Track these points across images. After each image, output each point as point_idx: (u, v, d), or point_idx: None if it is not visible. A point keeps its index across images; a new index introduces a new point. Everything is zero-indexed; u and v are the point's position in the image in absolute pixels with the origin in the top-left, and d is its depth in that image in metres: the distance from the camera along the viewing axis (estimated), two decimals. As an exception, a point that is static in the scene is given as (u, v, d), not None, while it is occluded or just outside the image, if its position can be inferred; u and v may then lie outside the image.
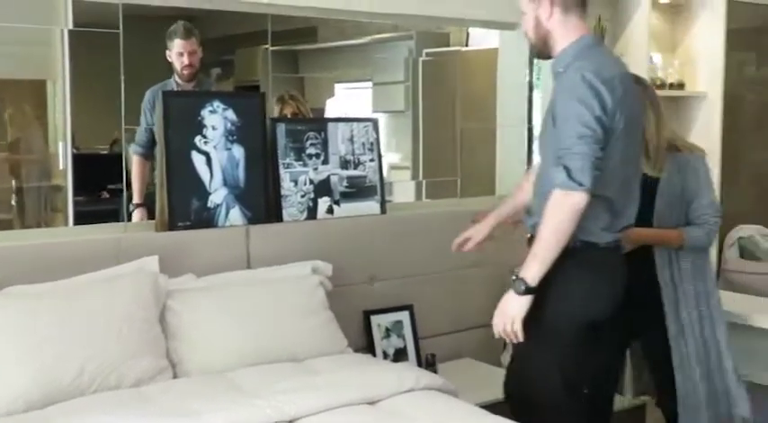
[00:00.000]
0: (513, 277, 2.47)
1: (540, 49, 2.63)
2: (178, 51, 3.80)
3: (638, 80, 2.95)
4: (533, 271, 2.41)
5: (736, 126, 4.81)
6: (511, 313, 2.45)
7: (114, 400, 2.43)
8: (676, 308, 3.04)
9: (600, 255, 2.55)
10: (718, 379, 3.05)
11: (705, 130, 4.64)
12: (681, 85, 4.62)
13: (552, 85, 2.62)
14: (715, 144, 4.61)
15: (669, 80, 4.56)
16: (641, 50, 4.30)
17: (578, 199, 2.35)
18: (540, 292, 2.43)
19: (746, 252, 4.43)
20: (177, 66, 3.82)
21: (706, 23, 4.63)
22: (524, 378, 2.66)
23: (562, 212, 2.38)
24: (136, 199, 3.80)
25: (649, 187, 2.93)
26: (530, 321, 2.44)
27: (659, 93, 4.40)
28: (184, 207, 3.08)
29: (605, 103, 2.38)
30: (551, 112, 2.53)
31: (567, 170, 2.35)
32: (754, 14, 4.83)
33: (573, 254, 2.46)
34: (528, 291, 2.41)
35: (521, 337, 2.45)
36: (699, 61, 4.67)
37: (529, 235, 2.68)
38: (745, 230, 4.57)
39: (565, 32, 2.54)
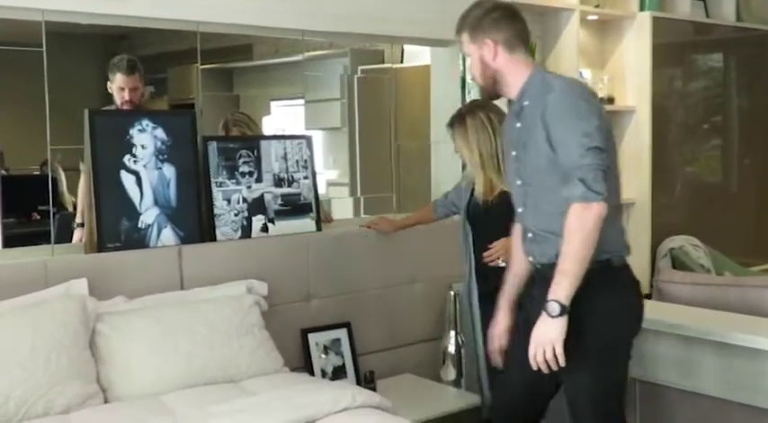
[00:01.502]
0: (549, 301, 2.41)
1: (490, 90, 2.64)
2: (119, 86, 3.71)
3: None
4: (566, 290, 2.36)
5: (665, 139, 4.90)
6: (550, 338, 2.37)
7: (41, 428, 2.36)
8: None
9: (628, 265, 2.62)
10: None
11: (635, 144, 4.75)
12: (610, 100, 4.73)
13: (513, 121, 2.62)
14: (645, 157, 4.72)
15: (599, 95, 4.64)
16: (571, 66, 4.38)
17: (600, 209, 2.35)
18: (585, 314, 2.41)
19: (678, 262, 4.50)
20: (117, 99, 3.73)
21: (633, 40, 4.75)
22: (579, 408, 2.60)
23: (587, 225, 2.36)
24: (78, 218, 3.69)
25: None
26: (578, 347, 2.41)
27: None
28: (114, 228, 3.01)
29: (599, 113, 2.45)
30: (526, 138, 2.53)
31: (584, 182, 2.34)
32: (679, 30, 4.95)
33: (609, 269, 2.50)
34: (563, 311, 2.35)
35: (562, 362, 2.38)
36: (627, 76, 4.80)
37: (539, 265, 2.63)
38: (676, 241, 4.64)
39: (516, 70, 2.56)
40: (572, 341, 2.37)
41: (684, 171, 5.13)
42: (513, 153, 2.62)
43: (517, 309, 2.79)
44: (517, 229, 2.74)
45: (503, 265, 3.09)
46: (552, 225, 2.49)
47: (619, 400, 2.63)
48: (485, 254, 3.25)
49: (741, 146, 5.45)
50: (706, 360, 3.26)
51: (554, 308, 2.35)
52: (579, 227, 2.36)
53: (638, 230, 4.63)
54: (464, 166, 4.25)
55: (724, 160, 5.41)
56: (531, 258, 2.66)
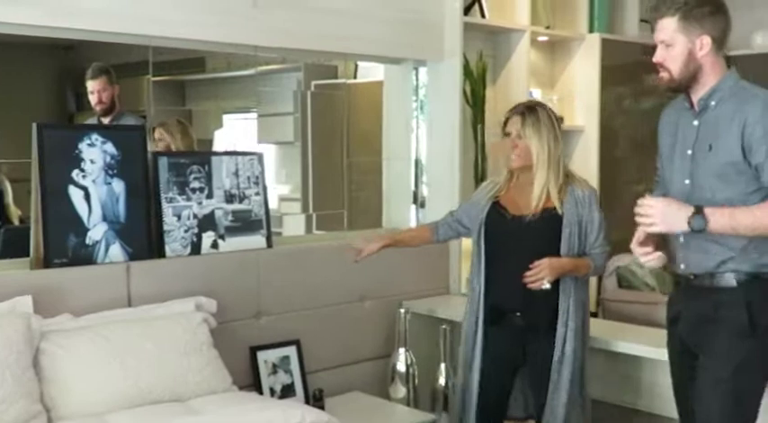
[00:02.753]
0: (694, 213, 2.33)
1: (683, 84, 2.50)
2: (90, 90, 4.04)
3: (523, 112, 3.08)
4: (719, 221, 2.31)
5: (613, 158, 4.95)
6: (674, 222, 2.35)
7: (-19, 450, 2.31)
8: (564, 337, 3.04)
9: None
10: (578, 406, 3.08)
11: (583, 163, 4.79)
12: (560, 119, 4.75)
13: (689, 118, 2.54)
14: (593, 176, 4.76)
15: (549, 115, 4.70)
16: (521, 86, 4.43)
17: None
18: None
19: (624, 281, 4.55)
20: (93, 103, 4.04)
21: (582, 61, 4.82)
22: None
23: None
24: None
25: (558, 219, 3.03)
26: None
27: (539, 127, 4.54)
28: (61, 243, 2.96)
29: None
30: (711, 140, 2.44)
31: None
32: (627, 51, 5.02)
33: None
34: (698, 229, 2.31)
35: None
36: (576, 96, 4.85)
37: (691, 276, 2.54)
38: (622, 259, 4.69)
39: (715, 69, 2.47)
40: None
41: (632, 189, 5.17)
42: (689, 152, 2.51)
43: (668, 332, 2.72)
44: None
45: (547, 287, 2.94)
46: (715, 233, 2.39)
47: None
48: (527, 274, 2.92)
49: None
50: (646, 377, 3.33)
51: (699, 222, 2.30)
52: None
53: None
54: (417, 184, 4.30)
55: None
56: (681, 266, 2.56)
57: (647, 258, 2.57)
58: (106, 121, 3.99)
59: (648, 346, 3.17)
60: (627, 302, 3.95)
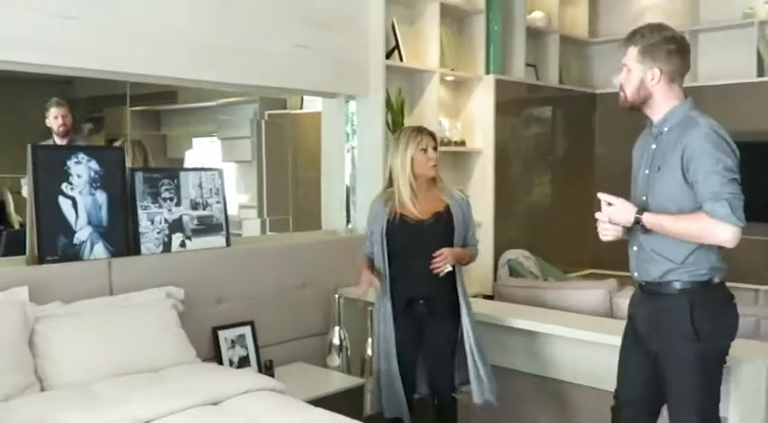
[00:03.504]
0: (637, 216, 2.27)
1: (635, 105, 2.38)
2: (54, 116, 3.92)
3: (430, 133, 3.04)
4: (655, 224, 2.24)
5: (506, 174, 5.01)
6: (615, 219, 2.31)
7: (-18, 414, 2.25)
8: (465, 311, 3.03)
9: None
10: (482, 369, 3.04)
11: (482, 179, 4.87)
12: (462, 143, 4.83)
13: (650, 141, 2.41)
14: (489, 189, 4.85)
15: (454, 139, 4.76)
16: (432, 116, 4.47)
17: (733, 235, 2.14)
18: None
19: (514, 271, 4.63)
20: (54, 126, 3.90)
21: (480, 96, 4.88)
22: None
23: (708, 233, 2.17)
24: None
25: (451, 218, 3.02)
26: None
27: (446, 149, 4.63)
28: (52, 243, 2.91)
29: (735, 151, 2.23)
30: (660, 162, 2.32)
31: (731, 207, 2.13)
32: (516, 89, 5.11)
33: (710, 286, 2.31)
34: (636, 222, 2.26)
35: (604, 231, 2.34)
36: (476, 124, 4.90)
37: (642, 282, 2.43)
38: (512, 254, 4.77)
39: (666, 98, 2.33)
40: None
41: (521, 199, 5.24)
42: (646, 171, 2.39)
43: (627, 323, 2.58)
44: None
45: (449, 269, 2.94)
46: (662, 247, 2.30)
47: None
48: (435, 261, 2.91)
49: (564, 178, 5.60)
50: (523, 345, 3.40)
51: (637, 219, 2.26)
52: (704, 230, 2.17)
53: (483, 246, 4.68)
54: (347, 195, 4.33)
55: (552, 190, 5.52)
56: (635, 274, 2.45)
57: (604, 234, 2.40)
58: (63, 142, 3.92)
59: (534, 322, 3.26)
60: (516, 287, 4.02)
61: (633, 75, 2.35)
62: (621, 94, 2.40)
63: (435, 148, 3.02)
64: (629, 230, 2.39)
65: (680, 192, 2.26)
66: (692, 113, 2.31)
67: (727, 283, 2.38)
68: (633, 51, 2.35)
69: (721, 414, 2.53)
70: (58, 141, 3.86)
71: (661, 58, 2.31)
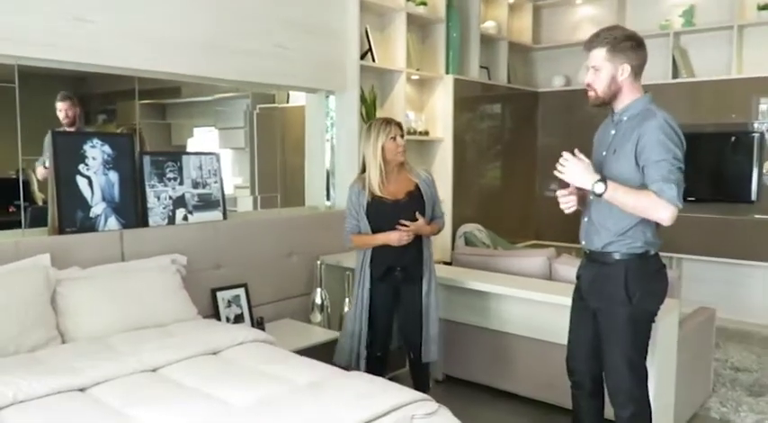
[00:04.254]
0: (599, 180, 2.15)
1: (606, 99, 2.27)
2: (59, 109, 3.80)
3: (398, 123, 2.96)
4: (612, 193, 2.13)
5: (463, 160, 5.01)
6: (577, 178, 2.19)
7: (13, 363, 2.22)
8: (429, 278, 2.99)
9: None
10: (426, 333, 3.00)
11: (443, 164, 4.87)
12: (426, 133, 4.82)
13: (610, 128, 2.32)
14: (448, 172, 4.85)
15: (419, 129, 4.75)
16: (400, 109, 4.46)
17: (672, 214, 2.11)
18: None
19: (468, 241, 4.65)
20: (60, 117, 3.80)
21: (441, 93, 4.87)
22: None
23: (653, 209, 2.12)
24: None
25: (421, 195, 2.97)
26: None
27: (412, 138, 4.61)
28: (71, 217, 2.86)
29: (684, 143, 2.17)
30: (617, 146, 2.25)
31: (678, 190, 2.10)
32: (471, 87, 5.11)
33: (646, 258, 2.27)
34: (599, 188, 2.15)
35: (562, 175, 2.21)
36: (437, 117, 4.89)
37: (587, 250, 2.36)
38: (468, 227, 4.78)
39: (631, 91, 2.25)
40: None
41: (475, 181, 5.26)
42: (603, 153, 2.31)
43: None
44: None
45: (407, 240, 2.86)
46: (608, 221, 2.25)
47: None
48: (409, 228, 2.85)
49: (511, 164, 5.61)
50: (477, 304, 3.44)
51: (599, 187, 2.15)
52: (650, 206, 2.12)
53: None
54: (328, 177, 4.31)
55: (499, 174, 5.52)
56: (583, 242, 2.38)
57: (565, 204, 2.31)
58: (72, 129, 3.78)
59: (486, 284, 3.29)
60: (471, 255, 4.04)
61: (603, 73, 2.23)
62: (592, 93, 2.28)
63: (402, 136, 2.97)
64: (584, 204, 2.35)
65: (630, 173, 2.19)
66: (650, 106, 2.24)
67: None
68: (600, 52, 2.23)
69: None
70: (65, 128, 3.78)
71: (628, 53, 2.22)
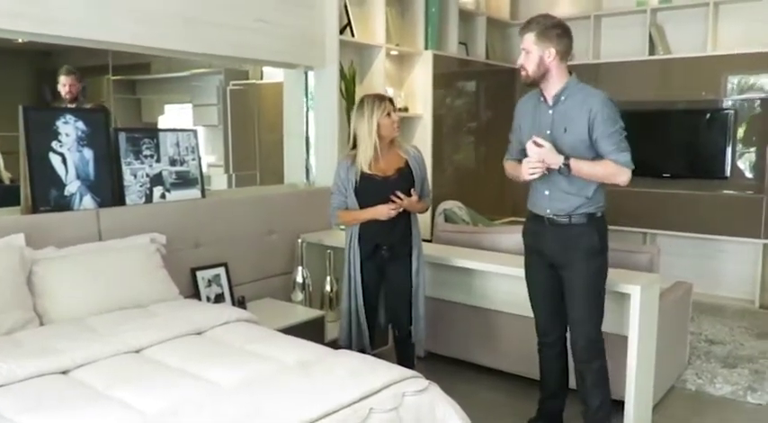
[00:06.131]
0: (565, 163, 2.44)
1: (536, 79, 2.48)
2: (62, 83, 3.87)
3: (390, 99, 2.95)
4: (577, 168, 2.43)
5: (441, 136, 5.00)
6: (548, 162, 2.45)
7: (-11, 346, 2.16)
8: (417, 255, 2.98)
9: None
10: (421, 306, 3.01)
11: (422, 140, 4.86)
12: (406, 109, 4.80)
13: (545, 109, 2.52)
14: (427, 148, 4.84)
15: (399, 106, 4.71)
16: (380, 85, 4.41)
17: (629, 176, 2.45)
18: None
19: (449, 218, 4.65)
20: (62, 92, 3.87)
21: (420, 69, 4.84)
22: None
23: (614, 176, 2.43)
24: None
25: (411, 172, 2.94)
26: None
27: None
28: (45, 195, 2.77)
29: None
30: (566, 124, 2.47)
31: (630, 155, 2.42)
32: (450, 64, 5.09)
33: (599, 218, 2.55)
34: (565, 167, 2.43)
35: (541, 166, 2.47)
36: (417, 93, 4.87)
37: (553, 216, 2.56)
38: (448, 204, 4.78)
39: (559, 73, 2.47)
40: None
41: (453, 158, 5.28)
42: (548, 132, 2.49)
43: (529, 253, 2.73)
44: None
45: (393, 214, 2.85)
46: (573, 188, 2.49)
47: None
48: (399, 203, 2.83)
49: (486, 141, 5.60)
50: (461, 281, 3.46)
51: (564, 167, 2.44)
52: (612, 173, 2.43)
53: (423, 197, 4.75)
54: (307, 154, 4.25)
55: (477, 151, 5.53)
56: (547, 211, 2.56)
57: (533, 169, 2.49)
58: (73, 105, 3.82)
59: (471, 261, 3.30)
60: (451, 232, 4.05)
61: (532, 55, 2.46)
62: (523, 72, 2.50)
63: (395, 111, 2.95)
64: (542, 176, 2.53)
65: (582, 146, 2.46)
66: (581, 85, 2.49)
67: (622, 227, 2.69)
68: (531, 36, 2.46)
69: (623, 334, 2.76)
70: (66, 104, 3.84)
71: (553, 39, 2.44)
